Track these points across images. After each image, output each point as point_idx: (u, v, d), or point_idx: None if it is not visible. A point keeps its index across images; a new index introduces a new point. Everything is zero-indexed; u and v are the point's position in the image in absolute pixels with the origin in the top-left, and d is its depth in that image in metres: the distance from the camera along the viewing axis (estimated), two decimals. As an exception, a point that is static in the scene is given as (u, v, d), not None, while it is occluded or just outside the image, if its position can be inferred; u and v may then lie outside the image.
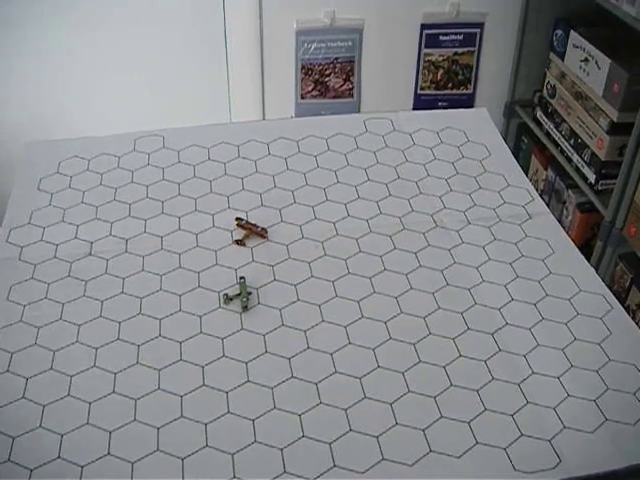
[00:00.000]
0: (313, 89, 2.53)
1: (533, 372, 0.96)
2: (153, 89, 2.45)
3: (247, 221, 1.16)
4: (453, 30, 2.46)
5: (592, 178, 2.16)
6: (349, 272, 1.09)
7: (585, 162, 2.19)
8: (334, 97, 2.56)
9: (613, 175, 2.07)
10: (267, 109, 2.55)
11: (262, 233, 1.14)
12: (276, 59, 2.46)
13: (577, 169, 2.25)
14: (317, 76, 2.50)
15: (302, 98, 2.54)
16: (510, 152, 1.32)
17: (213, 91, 2.51)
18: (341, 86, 2.53)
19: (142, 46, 2.37)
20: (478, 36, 2.47)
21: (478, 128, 1.37)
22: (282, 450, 0.87)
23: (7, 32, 2.22)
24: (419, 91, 2.56)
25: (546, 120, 2.43)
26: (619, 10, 1.92)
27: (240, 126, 1.38)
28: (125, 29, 2.33)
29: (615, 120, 2.04)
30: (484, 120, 1.39)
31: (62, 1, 2.21)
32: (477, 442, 0.88)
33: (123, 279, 1.08)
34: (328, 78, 2.51)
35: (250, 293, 1.05)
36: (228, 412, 0.91)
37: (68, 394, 0.93)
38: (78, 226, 1.17)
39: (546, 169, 2.44)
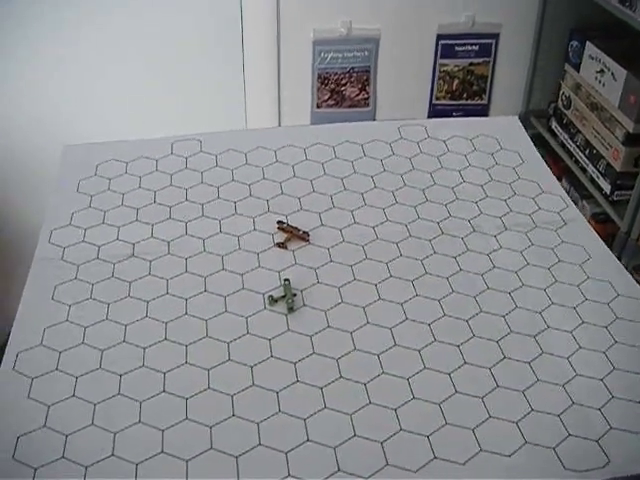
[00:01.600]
0: (329, 98, 2.55)
1: (577, 374, 0.97)
2: (169, 97, 2.47)
3: (288, 224, 1.17)
4: (468, 41, 2.48)
5: (607, 189, 2.18)
6: (391, 275, 1.11)
7: (600, 173, 2.21)
8: (350, 106, 2.58)
9: (629, 186, 2.09)
10: (283, 118, 2.57)
11: (304, 236, 1.15)
12: (293, 68, 2.48)
13: (592, 180, 2.27)
14: (333, 85, 2.52)
15: (318, 107, 2.56)
16: (543, 160, 1.34)
17: (229, 100, 2.53)
18: (357, 95, 2.55)
19: (159, 54, 2.39)
20: (493, 47, 2.50)
21: (510, 136, 1.39)
22: (335, 449, 0.88)
23: (7, 33, 2.23)
24: (434, 101, 2.59)
25: (561, 131, 2.45)
26: (635, 21, 1.95)
27: (276, 131, 1.40)
28: (143, 38, 2.34)
29: (631, 131, 2.06)
30: (516, 128, 1.41)
31: (85, 8, 2.22)
32: (526, 442, 0.89)
33: (167, 280, 1.10)
34: (344, 87, 2.53)
35: (295, 295, 1.06)
36: (279, 411, 0.92)
37: (119, 393, 0.94)
38: (119, 228, 1.18)
39: (560, 180, 2.46)
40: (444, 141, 1.37)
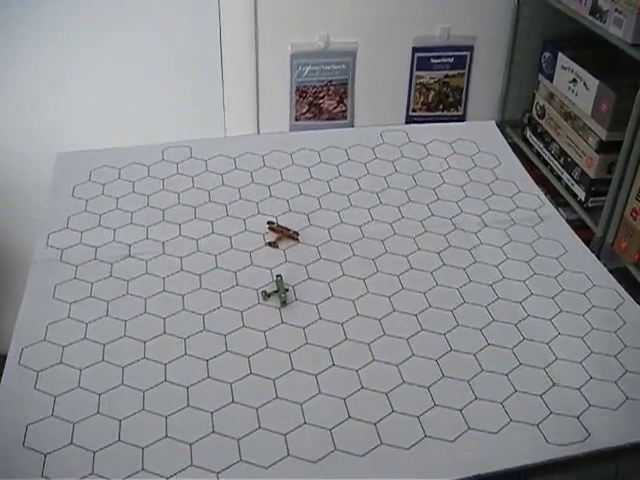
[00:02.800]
0: (307, 111, 2.60)
1: (557, 358, 1.03)
2: (147, 110, 2.50)
3: (278, 224, 1.22)
4: (444, 53, 2.54)
5: (582, 196, 2.24)
6: (378, 270, 1.16)
7: (575, 180, 2.27)
8: (328, 119, 2.63)
9: (603, 192, 2.15)
10: (262, 131, 2.61)
11: (294, 236, 1.20)
12: (271, 82, 2.53)
13: (567, 187, 2.33)
14: (311, 98, 2.57)
15: (296, 120, 2.61)
16: (519, 161, 1.40)
17: (208, 113, 2.57)
18: (335, 108, 2.61)
19: (137, 68, 2.42)
20: (468, 59, 2.56)
21: (487, 139, 1.45)
22: (331, 430, 0.92)
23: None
24: (411, 113, 2.64)
25: (536, 140, 2.52)
26: (606, 32, 2.01)
27: (263, 137, 1.45)
28: (122, 49, 2.38)
29: (604, 139, 2.12)
30: (493, 132, 1.48)
31: (56, 15, 2.26)
32: (511, 420, 0.94)
33: (163, 278, 1.14)
34: (322, 100, 2.58)
35: (287, 290, 1.11)
36: (277, 397, 0.96)
37: (122, 383, 0.98)
38: (115, 230, 1.22)
39: (535, 187, 2.52)
40: (424, 145, 1.43)
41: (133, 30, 2.35)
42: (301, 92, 2.54)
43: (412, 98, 2.61)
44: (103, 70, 2.39)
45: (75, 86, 2.40)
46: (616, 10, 1.94)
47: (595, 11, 2.03)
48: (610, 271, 2.06)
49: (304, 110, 2.58)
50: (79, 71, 2.38)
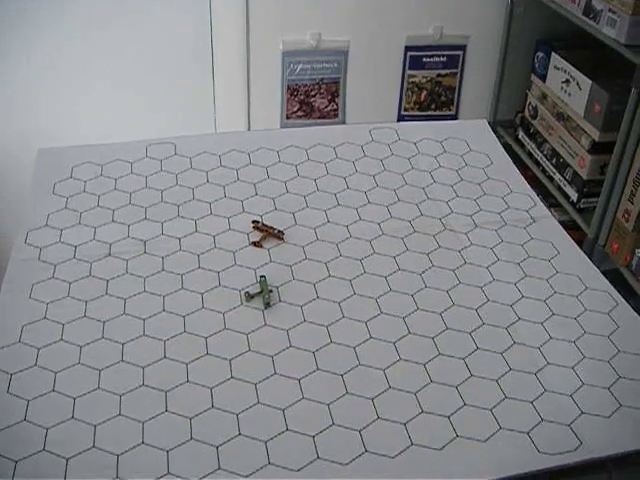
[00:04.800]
0: (299, 109, 2.57)
1: (548, 363, 1.00)
2: (137, 108, 2.47)
3: (263, 223, 1.19)
4: (436, 52, 2.52)
5: (574, 197, 2.22)
6: (365, 272, 1.13)
7: (567, 181, 2.25)
8: (319, 117, 2.60)
9: (595, 193, 2.13)
10: (253, 129, 2.58)
11: (279, 235, 1.17)
12: (262, 80, 2.50)
13: (559, 188, 2.31)
14: (302, 97, 2.55)
15: (287, 118, 2.59)
16: (511, 160, 1.37)
17: (199, 112, 2.54)
18: (326, 107, 2.58)
19: (128, 65, 2.40)
20: (461, 58, 2.54)
21: (479, 138, 1.42)
22: (314, 437, 0.89)
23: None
24: (403, 112, 2.62)
25: (528, 140, 2.49)
26: (599, 32, 2.00)
27: (249, 134, 1.42)
28: (112, 46, 2.35)
29: (596, 139, 2.11)
30: (484, 131, 1.45)
31: (46, 14, 2.23)
32: (500, 427, 0.91)
33: (144, 278, 1.11)
34: (313, 99, 2.56)
35: (271, 291, 1.08)
36: (258, 402, 0.93)
37: (98, 387, 0.95)
38: (95, 228, 1.19)
39: (528, 188, 2.50)
40: (414, 143, 1.40)
41: (124, 27, 2.32)
42: (292, 90, 2.52)
43: (404, 97, 2.58)
44: (95, 68, 2.37)
45: (64, 84, 2.37)
46: (610, 10, 1.92)
47: (589, 11, 2.01)
48: (602, 273, 2.05)
49: (295, 108, 2.56)
50: (70, 69, 2.35)
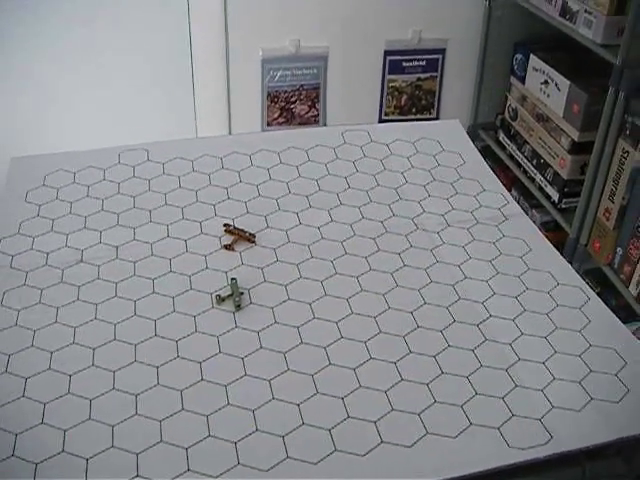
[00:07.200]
0: (279, 116, 2.58)
1: (519, 359, 1.00)
2: (117, 116, 2.47)
3: (235, 227, 1.19)
4: (416, 56, 2.53)
5: (555, 197, 2.23)
6: (336, 272, 1.13)
7: (548, 181, 2.26)
8: (300, 124, 2.61)
9: (576, 193, 2.14)
10: (233, 137, 2.58)
11: (250, 238, 1.17)
12: (242, 87, 2.51)
13: (540, 188, 2.32)
14: (283, 103, 2.55)
15: (268, 125, 2.59)
16: (483, 159, 1.37)
17: (180, 121, 2.55)
18: (307, 113, 2.58)
19: (107, 73, 2.40)
20: (440, 62, 2.55)
21: (451, 138, 1.43)
22: (283, 438, 0.89)
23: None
24: (383, 116, 2.63)
25: (508, 142, 2.50)
26: (576, 33, 2.01)
27: (222, 139, 1.42)
28: (91, 54, 2.35)
29: (576, 140, 2.12)
30: (457, 130, 1.45)
31: (26, 20, 2.23)
32: (471, 423, 0.91)
33: (115, 284, 1.11)
34: (294, 105, 2.56)
35: (242, 293, 1.08)
36: (228, 404, 0.93)
37: (68, 392, 0.94)
38: (67, 235, 1.19)
39: (510, 190, 2.51)
40: (387, 145, 1.40)
41: (103, 34, 2.32)
42: (273, 97, 2.52)
43: (384, 102, 2.59)
44: (74, 75, 2.36)
45: (43, 90, 2.36)
46: (586, 11, 1.93)
47: (565, 12, 2.02)
48: (584, 272, 2.06)
49: (276, 115, 2.56)
50: (50, 74, 2.34)
